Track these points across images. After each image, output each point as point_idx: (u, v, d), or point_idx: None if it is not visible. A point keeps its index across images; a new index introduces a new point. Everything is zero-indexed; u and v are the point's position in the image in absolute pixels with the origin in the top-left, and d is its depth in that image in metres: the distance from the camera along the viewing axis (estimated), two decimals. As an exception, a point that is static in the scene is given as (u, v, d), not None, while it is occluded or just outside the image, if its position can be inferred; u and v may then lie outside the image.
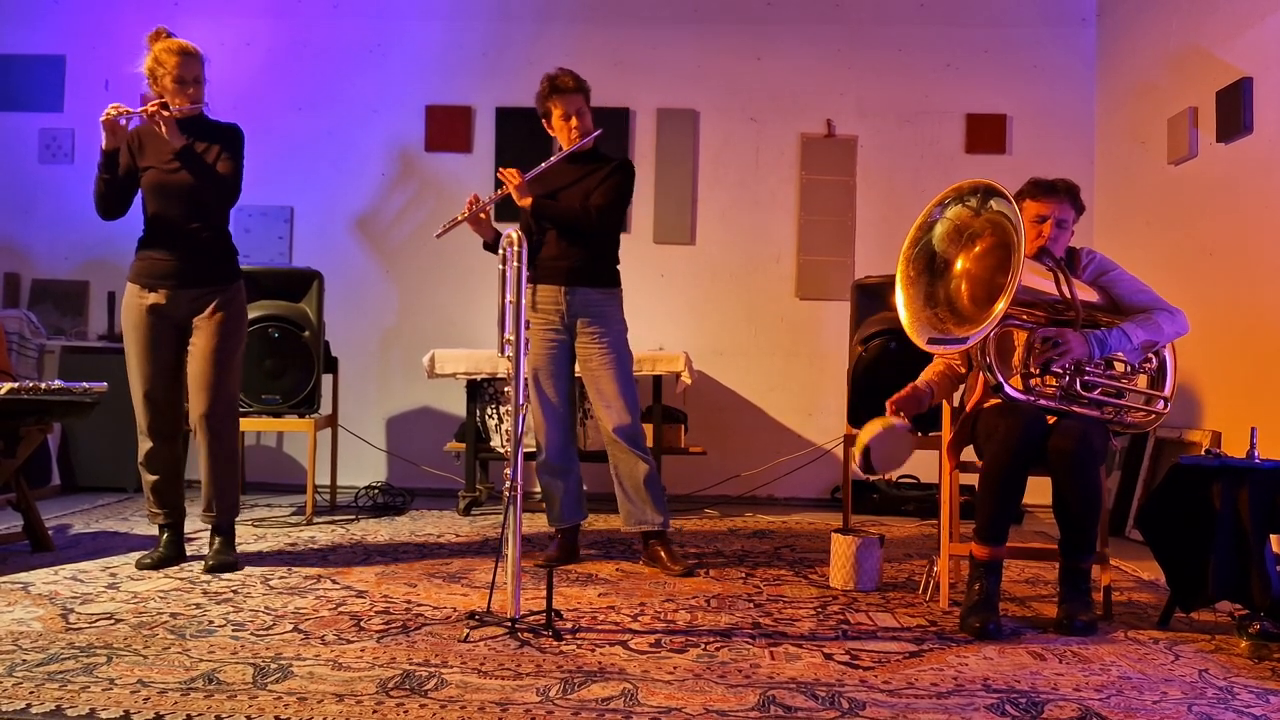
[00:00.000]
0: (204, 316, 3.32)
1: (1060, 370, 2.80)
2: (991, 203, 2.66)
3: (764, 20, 5.43)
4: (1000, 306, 2.55)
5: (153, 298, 3.30)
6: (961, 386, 3.19)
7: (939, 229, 2.76)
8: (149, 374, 3.32)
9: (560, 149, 3.48)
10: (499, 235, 3.46)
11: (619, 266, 3.56)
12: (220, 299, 3.34)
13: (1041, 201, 2.95)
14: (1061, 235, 2.96)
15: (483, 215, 3.44)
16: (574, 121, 3.45)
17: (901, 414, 2.98)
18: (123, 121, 3.19)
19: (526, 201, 3.39)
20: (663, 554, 3.45)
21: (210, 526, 3.40)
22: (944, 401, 3.17)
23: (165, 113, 3.17)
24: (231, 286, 3.39)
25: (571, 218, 3.42)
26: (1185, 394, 4.24)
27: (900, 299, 2.79)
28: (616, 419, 3.39)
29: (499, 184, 3.45)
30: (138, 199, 3.38)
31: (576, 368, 3.52)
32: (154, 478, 3.37)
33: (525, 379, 3.35)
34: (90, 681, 2.16)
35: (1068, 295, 2.82)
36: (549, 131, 3.55)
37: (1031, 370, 2.81)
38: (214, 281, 3.35)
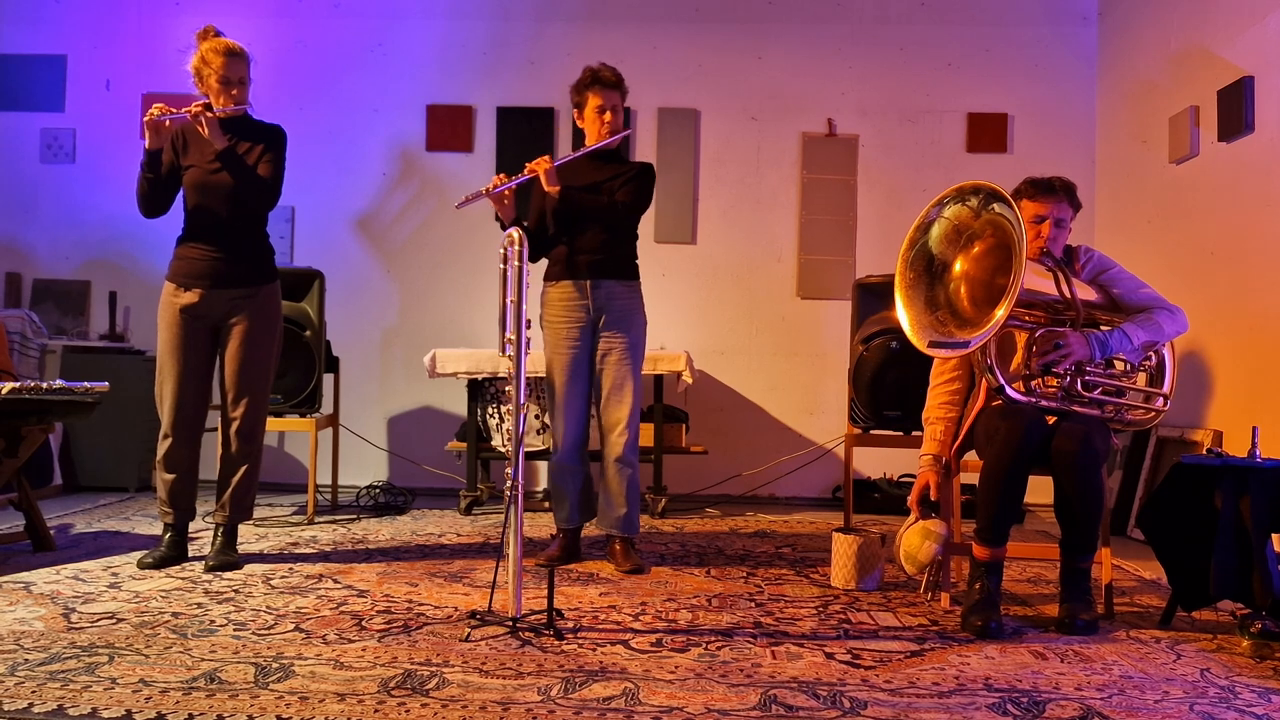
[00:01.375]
0: (238, 320, 3.34)
1: (1061, 371, 2.80)
2: (993, 205, 2.65)
3: (765, 19, 5.43)
4: (1001, 312, 2.54)
5: (187, 297, 3.31)
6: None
7: (936, 230, 2.75)
8: (179, 375, 3.33)
9: (584, 144, 3.47)
10: (519, 218, 3.44)
11: (637, 262, 3.56)
12: (254, 302, 3.36)
13: (1039, 201, 2.94)
14: (1060, 235, 2.96)
15: (506, 194, 3.38)
16: (607, 116, 3.45)
17: (932, 515, 3.00)
18: (166, 121, 3.20)
19: (555, 189, 3.37)
20: (618, 549, 3.47)
21: (217, 525, 3.41)
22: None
23: (209, 114, 3.18)
24: (266, 288, 3.41)
25: (599, 210, 3.42)
26: (1187, 393, 4.23)
27: (900, 302, 2.78)
28: (622, 421, 3.41)
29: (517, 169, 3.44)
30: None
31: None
32: (171, 477, 3.37)
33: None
34: (92, 681, 2.16)
35: (1068, 295, 2.81)
36: (578, 123, 3.54)
37: (1033, 371, 2.81)
38: (250, 282, 3.36)
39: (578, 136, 3.54)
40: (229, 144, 3.26)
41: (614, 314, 3.44)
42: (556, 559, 3.48)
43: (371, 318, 5.47)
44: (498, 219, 3.48)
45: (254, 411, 3.39)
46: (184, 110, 3.19)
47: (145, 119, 3.19)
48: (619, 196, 3.44)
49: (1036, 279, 2.81)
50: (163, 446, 3.37)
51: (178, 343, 3.32)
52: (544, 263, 3.70)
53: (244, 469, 3.40)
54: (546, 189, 3.38)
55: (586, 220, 3.44)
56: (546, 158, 3.38)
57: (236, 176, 3.26)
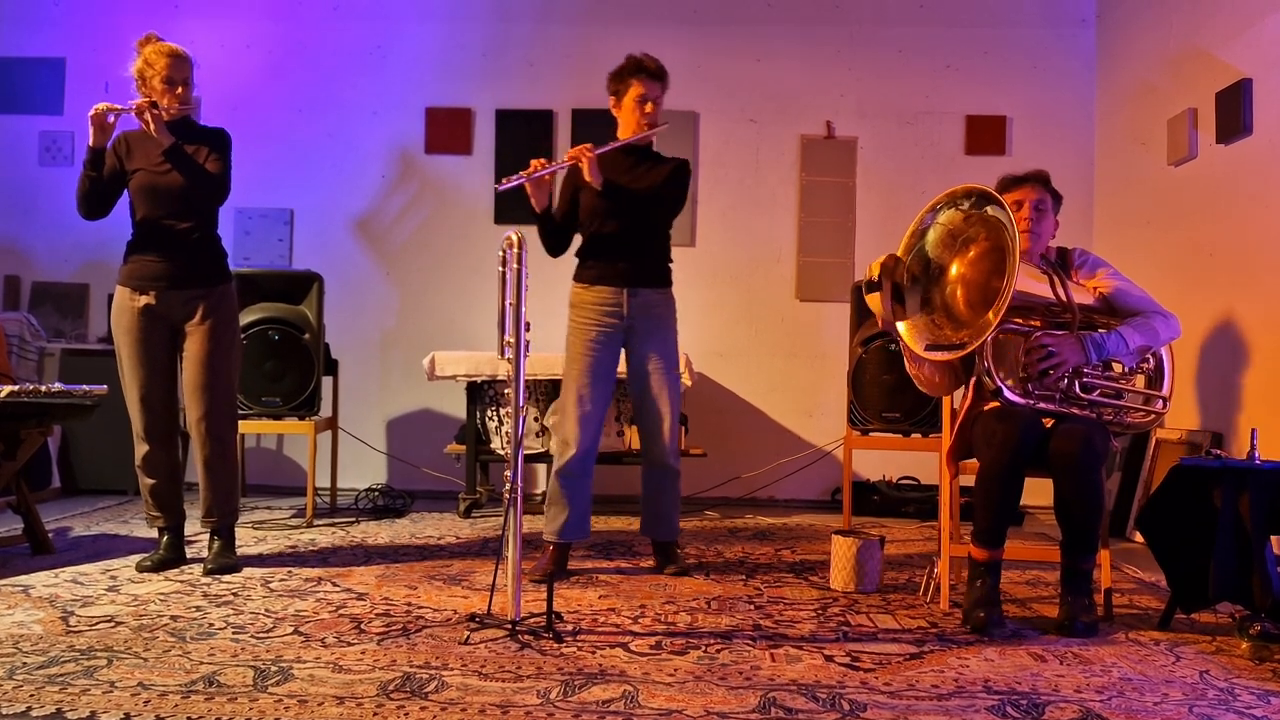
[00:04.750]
0: (195, 322, 3.32)
1: (1051, 383, 2.81)
2: (986, 208, 2.66)
3: (764, 21, 5.44)
4: (996, 315, 2.55)
5: (144, 300, 3.30)
6: (959, 385, 3.16)
7: (932, 234, 2.75)
8: (143, 377, 3.32)
9: (616, 134, 3.41)
10: (550, 204, 3.39)
11: (671, 265, 3.52)
12: (210, 302, 3.34)
13: (1013, 191, 2.99)
14: (1042, 220, 2.99)
15: (545, 179, 3.34)
16: (648, 108, 3.39)
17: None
18: (111, 118, 3.20)
19: (598, 181, 3.28)
20: (663, 554, 3.49)
21: (210, 530, 3.40)
22: (944, 405, 3.18)
23: (154, 111, 3.18)
24: (221, 288, 3.38)
25: (644, 202, 3.34)
26: (1186, 395, 4.23)
27: None
28: (663, 428, 3.37)
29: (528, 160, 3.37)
30: (125, 204, 3.37)
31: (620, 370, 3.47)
32: (152, 481, 3.37)
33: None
34: (91, 684, 2.16)
35: (1063, 298, 2.82)
36: (614, 111, 3.46)
37: (1029, 375, 2.81)
38: (204, 283, 3.34)
39: (612, 128, 3.48)
40: (175, 142, 3.23)
41: (650, 321, 3.39)
42: (552, 573, 3.27)
43: (370, 320, 5.47)
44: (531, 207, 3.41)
45: (222, 411, 3.36)
46: (129, 106, 3.18)
47: (90, 114, 3.18)
48: (658, 189, 3.36)
49: (1032, 282, 2.81)
50: (139, 452, 3.36)
51: (138, 346, 3.31)
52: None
53: (221, 471, 3.37)
54: (588, 179, 3.28)
55: (624, 219, 3.35)
56: (589, 146, 3.29)
57: (184, 172, 3.24)
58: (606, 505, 3.56)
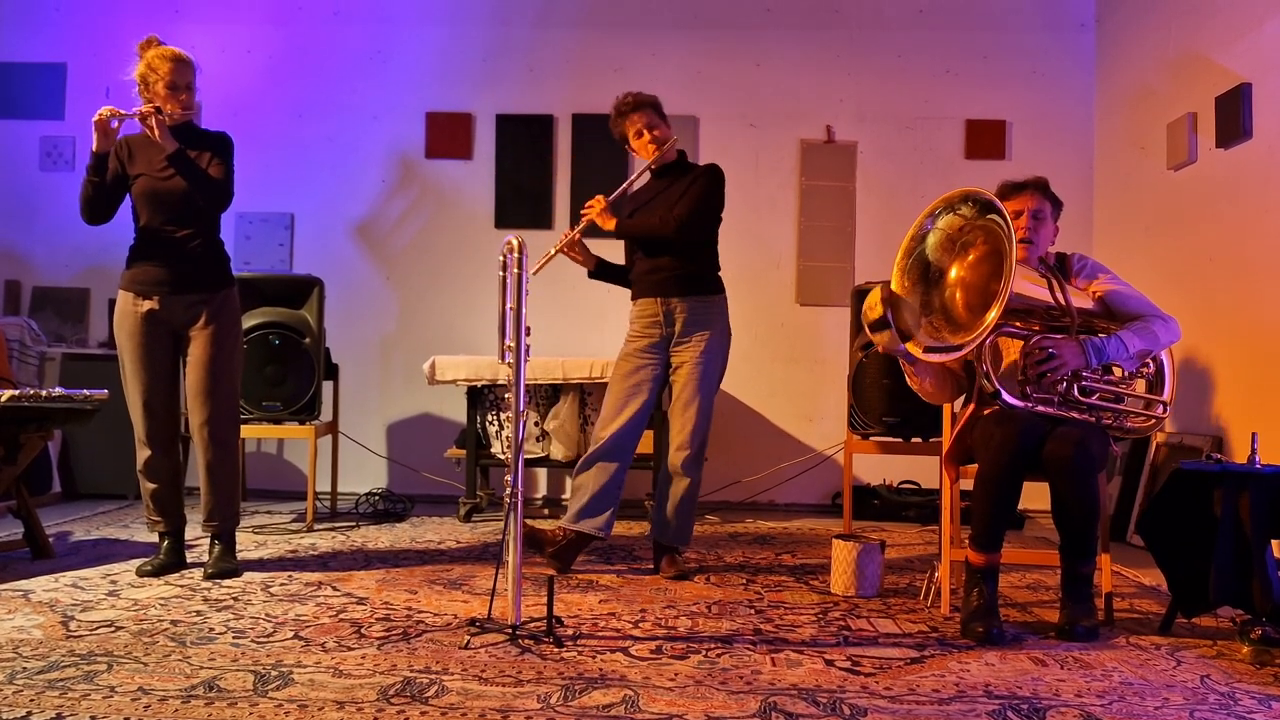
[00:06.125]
0: (198, 326, 3.32)
1: (1051, 382, 2.81)
2: (982, 212, 2.67)
3: (763, 26, 5.44)
4: (993, 315, 2.55)
5: (147, 304, 3.30)
6: (961, 393, 3.17)
7: (931, 239, 2.76)
8: (146, 381, 3.32)
9: (638, 166, 3.60)
10: (600, 261, 3.60)
11: (720, 273, 3.61)
12: (213, 306, 3.34)
13: (1012, 199, 3.00)
14: (1041, 228, 3.00)
15: (575, 248, 3.50)
16: (647, 136, 3.50)
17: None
18: (114, 124, 3.21)
19: (611, 225, 3.46)
20: (664, 562, 3.50)
21: (211, 535, 3.40)
22: (944, 409, 3.18)
23: (158, 116, 3.18)
24: (223, 293, 3.39)
25: (651, 233, 3.46)
26: (1186, 399, 4.23)
27: None
28: (683, 435, 3.42)
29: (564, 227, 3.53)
30: (128, 209, 3.38)
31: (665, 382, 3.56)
32: (153, 486, 3.37)
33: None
34: (91, 689, 2.16)
35: (1063, 302, 2.82)
36: (636, 156, 3.62)
37: (1029, 378, 2.81)
38: (206, 288, 3.35)
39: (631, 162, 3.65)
40: (179, 147, 3.24)
41: (686, 330, 3.48)
42: (554, 553, 3.40)
43: (371, 325, 5.47)
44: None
45: (225, 415, 3.36)
46: (134, 112, 3.19)
47: (94, 119, 3.19)
48: (675, 210, 3.44)
49: (1032, 286, 2.81)
50: (141, 457, 3.36)
51: (141, 351, 3.31)
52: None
53: (223, 475, 3.38)
54: (603, 227, 3.46)
55: (647, 242, 3.50)
56: (599, 199, 3.47)
57: (188, 178, 3.24)
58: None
